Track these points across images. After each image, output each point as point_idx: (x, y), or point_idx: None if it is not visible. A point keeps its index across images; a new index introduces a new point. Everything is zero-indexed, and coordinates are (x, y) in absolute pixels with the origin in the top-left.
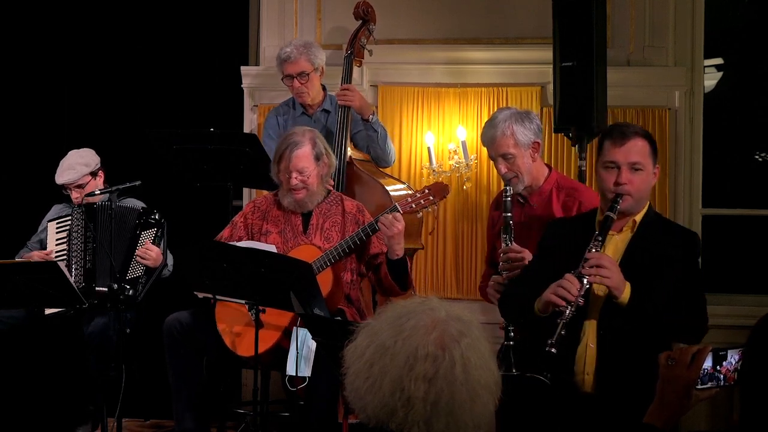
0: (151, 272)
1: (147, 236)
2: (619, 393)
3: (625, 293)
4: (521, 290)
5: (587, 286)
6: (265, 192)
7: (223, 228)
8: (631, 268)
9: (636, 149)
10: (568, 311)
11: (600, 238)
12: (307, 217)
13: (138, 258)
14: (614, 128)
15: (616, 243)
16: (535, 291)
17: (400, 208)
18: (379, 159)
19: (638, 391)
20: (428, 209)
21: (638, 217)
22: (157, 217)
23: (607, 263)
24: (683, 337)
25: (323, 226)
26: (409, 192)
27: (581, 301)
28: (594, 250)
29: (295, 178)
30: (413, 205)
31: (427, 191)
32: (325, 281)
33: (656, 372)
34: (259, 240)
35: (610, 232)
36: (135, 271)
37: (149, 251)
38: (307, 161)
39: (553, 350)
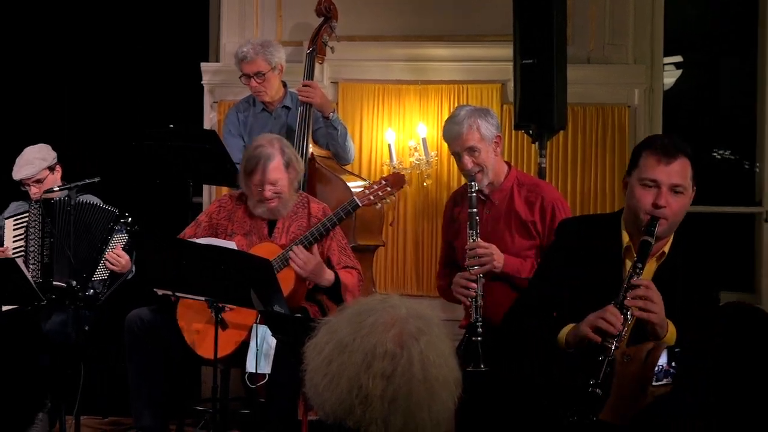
0: (117, 277)
1: (119, 241)
2: None
3: (670, 333)
4: (538, 315)
5: (630, 320)
6: (225, 190)
7: (183, 225)
8: None
9: (680, 170)
10: (613, 347)
11: (640, 266)
12: (273, 220)
13: (107, 263)
14: (658, 141)
15: None
16: (557, 318)
17: (359, 202)
18: (338, 156)
19: None
20: (387, 201)
21: (666, 248)
22: (130, 221)
23: (655, 297)
24: None
25: (289, 229)
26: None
27: (626, 335)
28: (636, 278)
29: (269, 190)
30: (371, 197)
31: (384, 182)
32: (287, 279)
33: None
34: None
35: None
36: (102, 273)
37: (120, 258)
38: (279, 172)
39: (597, 391)
